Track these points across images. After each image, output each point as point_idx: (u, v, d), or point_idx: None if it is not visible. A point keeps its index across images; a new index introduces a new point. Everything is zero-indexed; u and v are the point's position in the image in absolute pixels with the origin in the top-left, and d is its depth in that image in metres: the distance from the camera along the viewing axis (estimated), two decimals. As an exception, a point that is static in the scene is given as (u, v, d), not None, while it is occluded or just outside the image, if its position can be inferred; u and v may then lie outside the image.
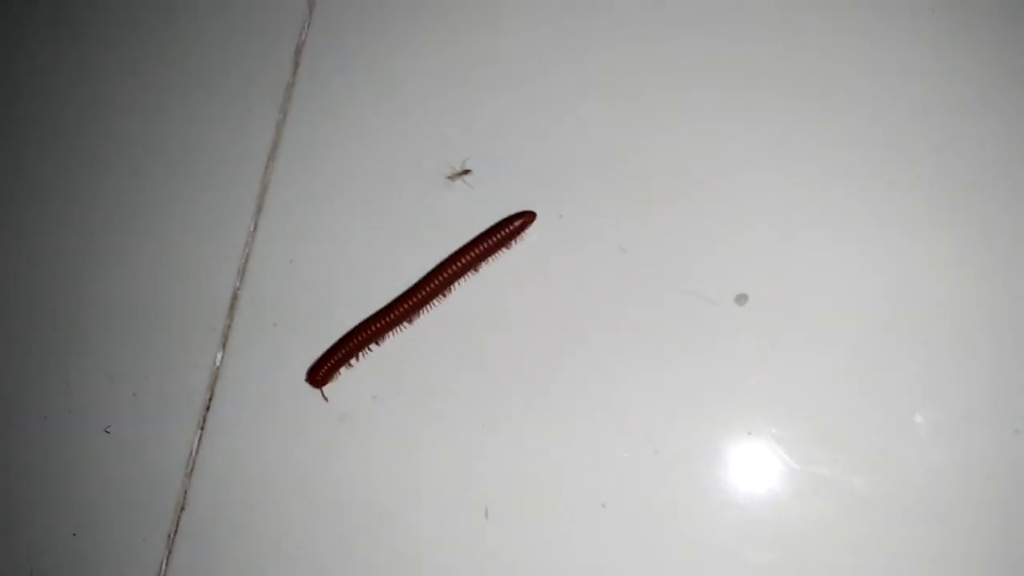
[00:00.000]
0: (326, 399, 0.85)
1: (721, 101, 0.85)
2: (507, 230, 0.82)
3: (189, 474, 0.88)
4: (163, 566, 0.86)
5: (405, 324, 0.85)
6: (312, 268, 0.90)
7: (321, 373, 0.84)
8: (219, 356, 0.90)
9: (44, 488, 0.90)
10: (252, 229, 0.92)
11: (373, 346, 0.85)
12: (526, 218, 0.83)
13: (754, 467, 0.77)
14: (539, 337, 0.83)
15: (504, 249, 0.84)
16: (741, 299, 0.79)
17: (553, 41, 0.89)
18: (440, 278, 0.83)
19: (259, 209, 0.93)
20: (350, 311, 0.86)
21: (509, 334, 0.84)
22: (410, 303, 0.83)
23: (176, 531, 0.87)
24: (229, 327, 0.90)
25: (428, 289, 0.83)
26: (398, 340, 0.86)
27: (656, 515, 0.78)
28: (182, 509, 0.87)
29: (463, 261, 0.83)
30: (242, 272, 0.91)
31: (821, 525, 0.76)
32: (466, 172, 0.87)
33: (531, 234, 0.84)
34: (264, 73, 0.96)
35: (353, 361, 0.85)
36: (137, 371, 0.91)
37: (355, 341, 0.84)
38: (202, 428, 0.88)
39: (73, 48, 1.01)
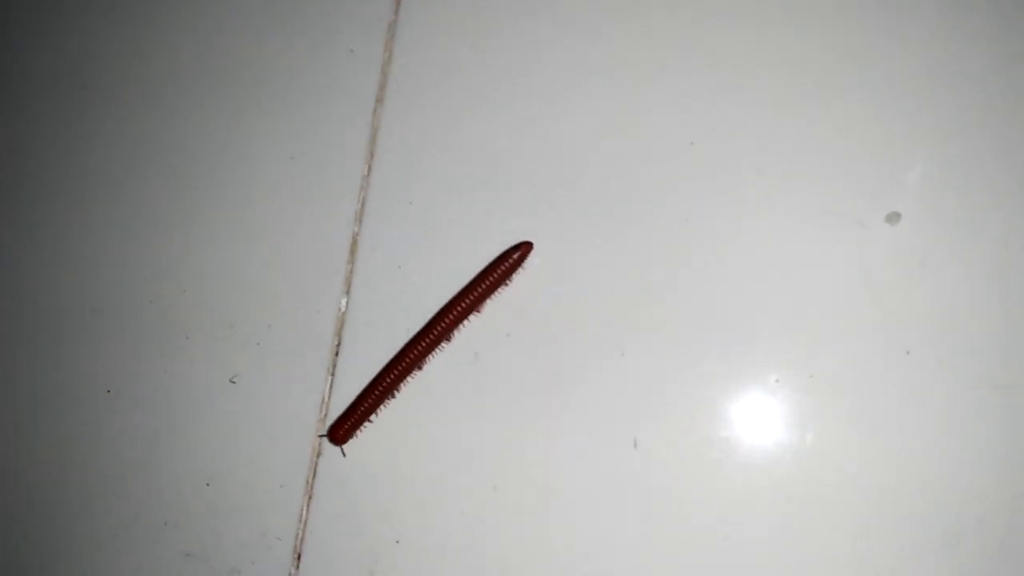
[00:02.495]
0: (345, 455, 0.85)
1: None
2: (507, 264, 0.83)
3: (323, 419, 0.88)
4: (304, 512, 0.87)
5: (417, 370, 0.85)
6: (431, 207, 0.89)
7: (343, 430, 0.84)
8: (344, 301, 0.89)
9: (172, 440, 0.91)
10: (366, 173, 0.91)
11: (393, 396, 0.85)
12: (524, 249, 0.83)
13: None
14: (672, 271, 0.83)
15: (506, 284, 0.84)
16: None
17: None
18: (446, 321, 0.83)
19: (371, 153, 0.91)
20: (472, 248, 0.86)
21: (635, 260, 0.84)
22: (418, 350, 0.84)
23: (314, 477, 0.88)
24: (351, 272, 0.89)
25: (434, 334, 0.83)
26: (531, 275, 0.85)
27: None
28: (319, 455, 0.88)
29: (466, 302, 0.83)
30: (360, 217, 0.90)
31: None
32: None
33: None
34: (365, 11, 0.93)
35: (374, 417, 0.85)
36: (259, 320, 0.91)
37: (373, 397, 0.84)
38: (332, 374, 0.88)
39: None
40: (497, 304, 0.85)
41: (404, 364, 0.84)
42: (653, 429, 0.81)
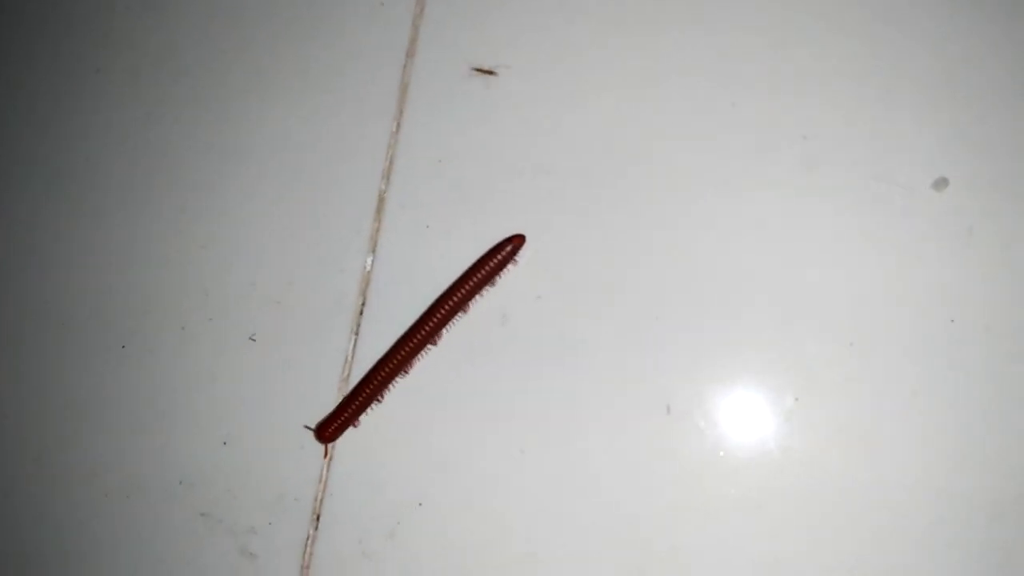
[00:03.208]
0: (326, 456, 0.83)
1: None
2: (497, 259, 0.80)
3: (346, 379, 0.86)
4: (324, 473, 0.85)
5: (407, 368, 0.82)
6: (461, 166, 0.87)
7: (331, 430, 0.82)
8: (369, 260, 0.87)
9: (188, 398, 0.88)
10: (394, 130, 0.88)
11: (382, 397, 0.83)
12: (515, 242, 0.81)
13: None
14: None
15: (498, 277, 0.82)
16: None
17: None
18: (437, 317, 0.81)
19: (401, 109, 0.89)
20: (503, 209, 0.84)
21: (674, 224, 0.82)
22: (410, 347, 0.81)
23: (335, 437, 0.86)
24: (378, 231, 0.87)
25: (426, 330, 0.81)
26: (565, 237, 0.83)
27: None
28: (340, 416, 0.86)
29: (457, 297, 0.81)
30: (387, 175, 0.88)
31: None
32: (491, 72, 0.83)
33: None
34: (397, -36, 0.91)
35: (362, 417, 0.83)
36: (281, 278, 0.88)
37: (364, 395, 0.82)
38: (356, 333, 0.86)
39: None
40: (528, 266, 0.84)
41: (393, 363, 0.82)
42: (687, 395, 0.79)
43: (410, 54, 0.89)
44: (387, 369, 0.82)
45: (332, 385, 0.86)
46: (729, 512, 0.78)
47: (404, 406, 0.84)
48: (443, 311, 0.81)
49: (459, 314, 0.82)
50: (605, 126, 0.85)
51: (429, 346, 0.82)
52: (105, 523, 0.87)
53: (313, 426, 0.83)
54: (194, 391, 0.89)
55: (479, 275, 0.81)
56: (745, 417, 0.79)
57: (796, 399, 0.77)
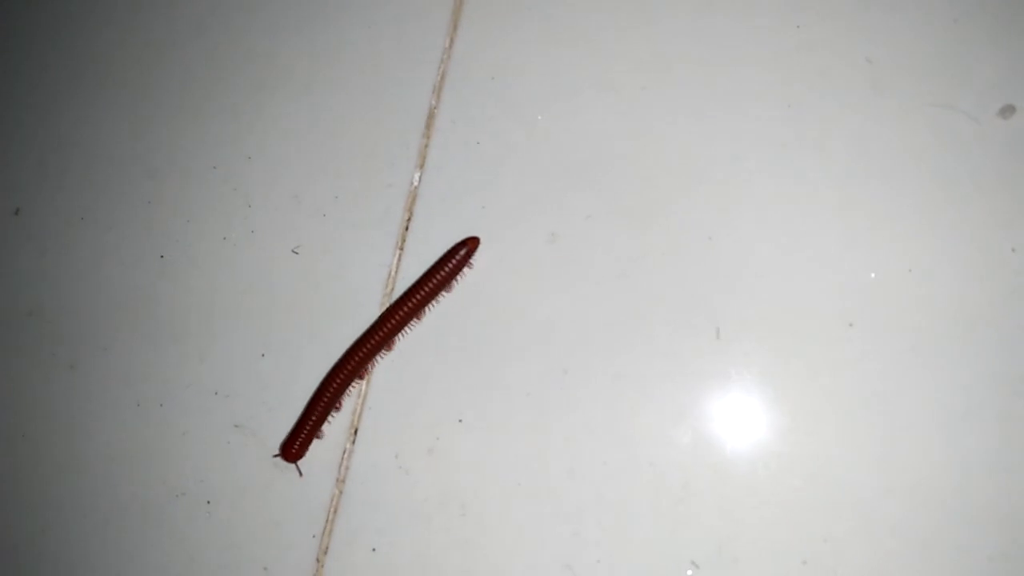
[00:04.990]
0: (301, 475, 0.81)
1: None
2: (452, 263, 0.79)
3: (389, 294, 0.85)
4: (364, 387, 0.84)
5: (364, 373, 0.81)
6: (515, 82, 0.85)
7: (295, 447, 0.80)
8: (417, 176, 0.86)
9: (228, 309, 0.87)
10: (448, 45, 0.87)
11: (339, 406, 0.82)
12: (470, 245, 0.79)
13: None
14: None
15: (455, 281, 0.80)
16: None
17: None
18: (390, 324, 0.79)
19: (455, 23, 0.87)
20: (557, 125, 0.83)
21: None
22: (363, 353, 0.79)
23: (375, 350, 0.84)
24: (427, 146, 0.86)
25: (378, 337, 0.79)
26: (619, 155, 0.82)
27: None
28: (380, 328, 0.84)
29: (412, 303, 0.79)
30: (439, 90, 0.87)
31: None
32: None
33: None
34: None
35: (325, 427, 0.81)
36: (326, 191, 0.87)
37: (320, 407, 0.80)
38: (401, 249, 0.85)
39: None
40: (579, 183, 0.82)
41: (346, 372, 0.80)
42: (738, 319, 0.78)
43: (466, -31, 0.88)
44: (340, 378, 0.79)
45: (375, 300, 0.85)
46: (776, 436, 0.77)
47: (447, 324, 0.83)
48: (397, 318, 0.79)
49: (413, 321, 0.80)
50: (668, 41, 0.83)
51: (384, 352, 0.81)
52: (135, 428, 0.86)
53: (279, 452, 0.81)
54: (234, 303, 0.88)
55: (434, 280, 0.79)
56: (797, 343, 0.77)
57: (850, 324, 0.76)
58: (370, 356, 0.81)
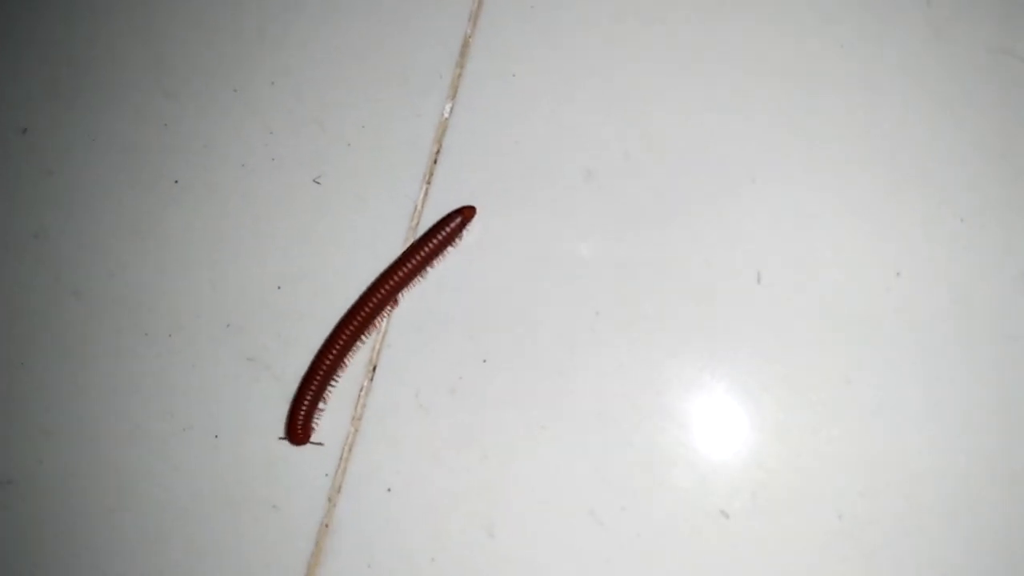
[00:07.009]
0: (320, 443, 0.78)
1: None
2: (446, 230, 0.76)
3: (414, 228, 0.81)
4: (384, 323, 0.81)
5: (360, 341, 0.77)
6: (555, 11, 0.82)
7: (300, 428, 0.76)
8: (448, 106, 0.82)
9: (244, 239, 0.84)
10: (486, -29, 0.84)
11: (335, 380, 0.78)
12: (466, 213, 0.76)
13: None
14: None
15: (449, 249, 0.77)
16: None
17: None
18: (383, 290, 0.76)
19: (494, -49, 0.84)
20: (596, 56, 0.79)
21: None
22: (353, 326, 0.76)
23: (398, 287, 0.81)
24: (460, 76, 0.83)
25: (372, 305, 0.76)
26: (656, 95, 0.79)
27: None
28: (405, 265, 0.81)
29: (403, 272, 0.76)
30: (475, 16, 0.83)
31: None
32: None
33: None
34: None
35: (325, 399, 0.78)
36: (352, 120, 0.84)
37: (317, 381, 0.76)
38: (428, 182, 0.82)
39: None
40: (617, 121, 0.79)
41: (340, 344, 0.76)
42: (781, 263, 0.75)
43: None
44: (333, 353, 0.76)
45: (399, 234, 0.81)
46: (817, 381, 0.74)
47: (475, 262, 0.80)
48: (388, 287, 0.76)
49: (404, 290, 0.77)
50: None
51: (374, 325, 0.77)
52: (141, 361, 0.82)
53: (284, 435, 0.78)
54: (250, 232, 0.84)
55: (427, 248, 0.76)
56: (841, 290, 0.74)
57: (898, 274, 0.73)
58: (359, 332, 0.77)
